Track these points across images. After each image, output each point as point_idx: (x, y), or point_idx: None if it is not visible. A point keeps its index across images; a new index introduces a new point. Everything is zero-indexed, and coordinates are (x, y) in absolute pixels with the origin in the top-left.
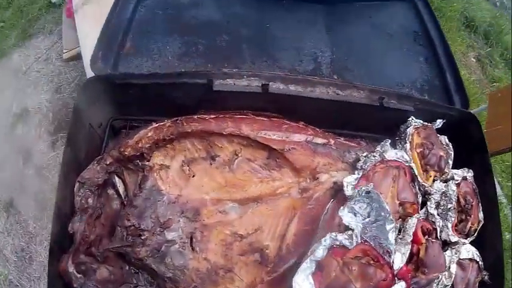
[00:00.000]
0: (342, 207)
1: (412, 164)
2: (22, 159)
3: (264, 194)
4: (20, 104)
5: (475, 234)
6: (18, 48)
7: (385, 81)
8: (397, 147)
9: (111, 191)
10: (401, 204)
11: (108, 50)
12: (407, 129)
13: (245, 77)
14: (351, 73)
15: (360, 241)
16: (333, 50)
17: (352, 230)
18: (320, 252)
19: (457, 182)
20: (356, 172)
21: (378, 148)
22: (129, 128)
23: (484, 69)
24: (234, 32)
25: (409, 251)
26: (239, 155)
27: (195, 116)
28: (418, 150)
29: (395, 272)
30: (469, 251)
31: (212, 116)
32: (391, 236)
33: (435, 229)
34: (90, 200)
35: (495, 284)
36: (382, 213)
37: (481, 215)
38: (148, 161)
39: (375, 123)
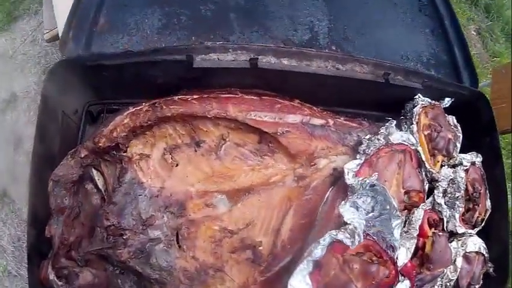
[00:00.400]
0: (343, 202)
1: (419, 148)
2: (13, 146)
3: (255, 184)
4: (8, 89)
5: (482, 224)
6: (4, 32)
7: (389, 54)
8: (403, 128)
9: (89, 186)
10: (406, 192)
11: (79, 29)
12: (414, 109)
13: (231, 50)
14: (351, 44)
15: (362, 240)
16: (331, 18)
17: (355, 227)
18: (319, 252)
19: (465, 168)
20: (358, 157)
21: (382, 130)
22: (108, 111)
23: (484, 43)
24: (221, 1)
25: (414, 246)
26: (227, 139)
27: (176, 98)
28: (426, 133)
29: (399, 269)
30: (475, 243)
31: (195, 97)
32: (397, 232)
33: (442, 220)
34: (66, 200)
35: (500, 276)
36: (388, 207)
37: (488, 203)
38: (125, 151)
39: (378, 100)
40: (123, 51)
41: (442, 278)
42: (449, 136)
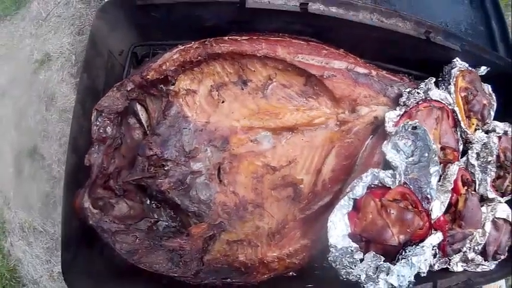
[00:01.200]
0: (385, 142)
1: (456, 108)
2: (45, 104)
3: (300, 124)
4: (41, 50)
5: (511, 194)
6: None
7: (429, 19)
8: (440, 88)
9: (132, 120)
10: (442, 148)
11: None
12: (452, 70)
13: None
14: (392, 7)
15: (403, 180)
16: None
17: (395, 167)
18: (360, 189)
19: (498, 135)
20: (398, 108)
21: (422, 85)
22: (153, 55)
23: None
24: None
25: (448, 200)
26: (273, 80)
27: (226, 37)
28: (462, 94)
29: (432, 222)
30: (504, 210)
31: (245, 37)
32: (434, 180)
33: (474, 181)
34: (108, 129)
35: None
36: (427, 154)
37: None
38: (174, 84)
39: (417, 59)
40: None
41: (471, 240)
42: (485, 102)
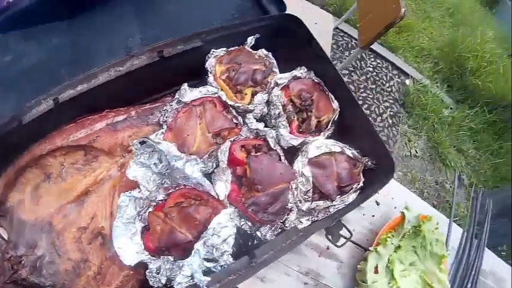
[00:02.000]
0: (127, 168)
1: (221, 92)
2: None
3: (89, 186)
4: None
5: (331, 125)
6: None
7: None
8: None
9: None
10: (217, 134)
11: None
12: (208, 62)
13: (42, 101)
14: (160, 39)
15: (153, 188)
16: (142, 29)
17: (140, 180)
18: (129, 211)
19: (281, 86)
20: (163, 128)
21: (177, 96)
22: None
23: None
24: (54, 61)
25: (230, 176)
26: (64, 164)
27: (25, 152)
28: (223, 77)
29: (226, 201)
30: (319, 146)
31: (36, 145)
32: (189, 170)
33: (266, 141)
34: None
35: (386, 165)
36: (172, 153)
37: (335, 104)
38: (7, 203)
39: (177, 77)
40: None
41: (297, 194)
42: (255, 67)
